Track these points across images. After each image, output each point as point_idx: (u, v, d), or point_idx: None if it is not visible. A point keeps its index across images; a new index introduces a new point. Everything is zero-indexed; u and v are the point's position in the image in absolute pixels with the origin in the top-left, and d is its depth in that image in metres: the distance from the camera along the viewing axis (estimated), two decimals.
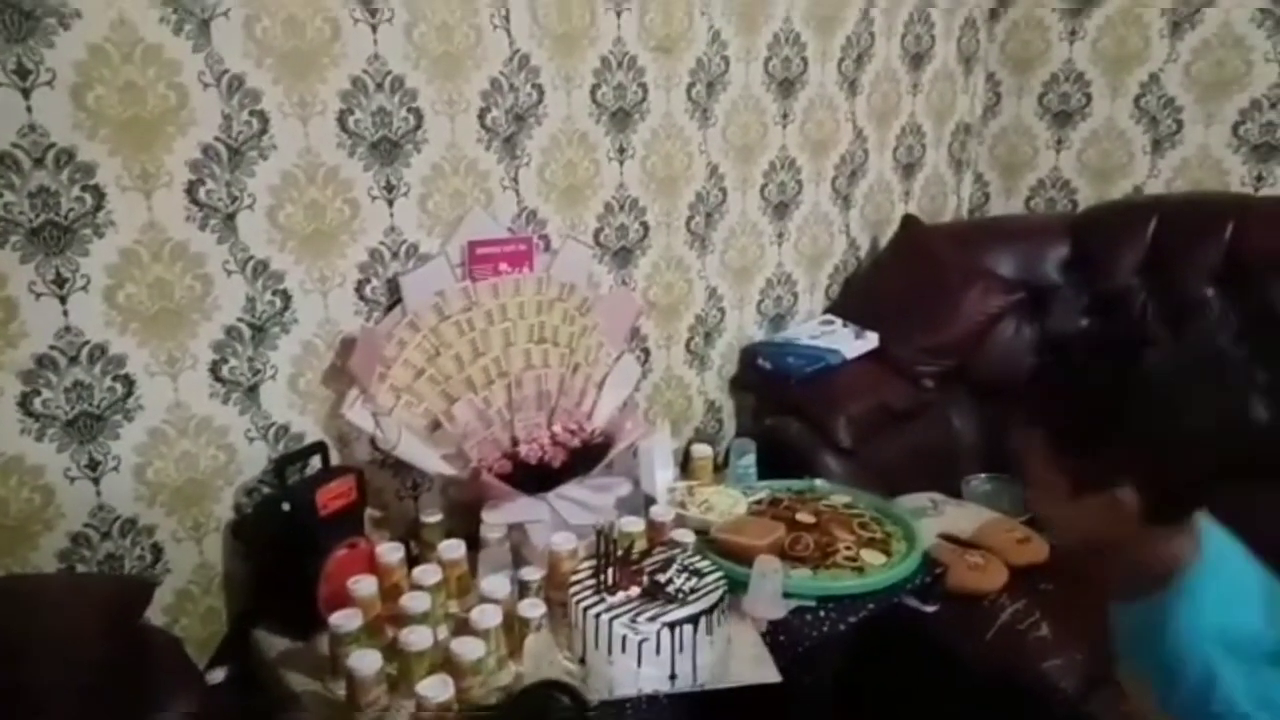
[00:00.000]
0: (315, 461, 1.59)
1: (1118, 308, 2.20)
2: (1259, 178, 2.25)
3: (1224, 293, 2.08)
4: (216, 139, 1.42)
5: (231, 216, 1.46)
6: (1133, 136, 2.42)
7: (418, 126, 1.62)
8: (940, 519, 1.95)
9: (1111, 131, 2.45)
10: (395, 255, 1.65)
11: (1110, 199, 2.44)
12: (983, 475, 2.21)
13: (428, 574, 1.49)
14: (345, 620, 1.37)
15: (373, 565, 1.52)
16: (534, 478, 1.67)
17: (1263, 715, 0.98)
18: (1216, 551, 1.09)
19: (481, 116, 1.69)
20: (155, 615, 1.50)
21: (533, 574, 1.54)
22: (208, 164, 1.42)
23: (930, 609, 1.71)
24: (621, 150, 1.92)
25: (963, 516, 1.96)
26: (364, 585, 1.44)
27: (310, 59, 1.48)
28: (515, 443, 1.71)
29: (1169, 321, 2.14)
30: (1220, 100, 2.27)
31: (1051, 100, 2.54)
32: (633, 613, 1.44)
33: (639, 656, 1.41)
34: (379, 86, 1.56)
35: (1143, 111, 2.39)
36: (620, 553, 1.54)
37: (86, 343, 1.37)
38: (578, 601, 1.46)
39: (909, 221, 2.46)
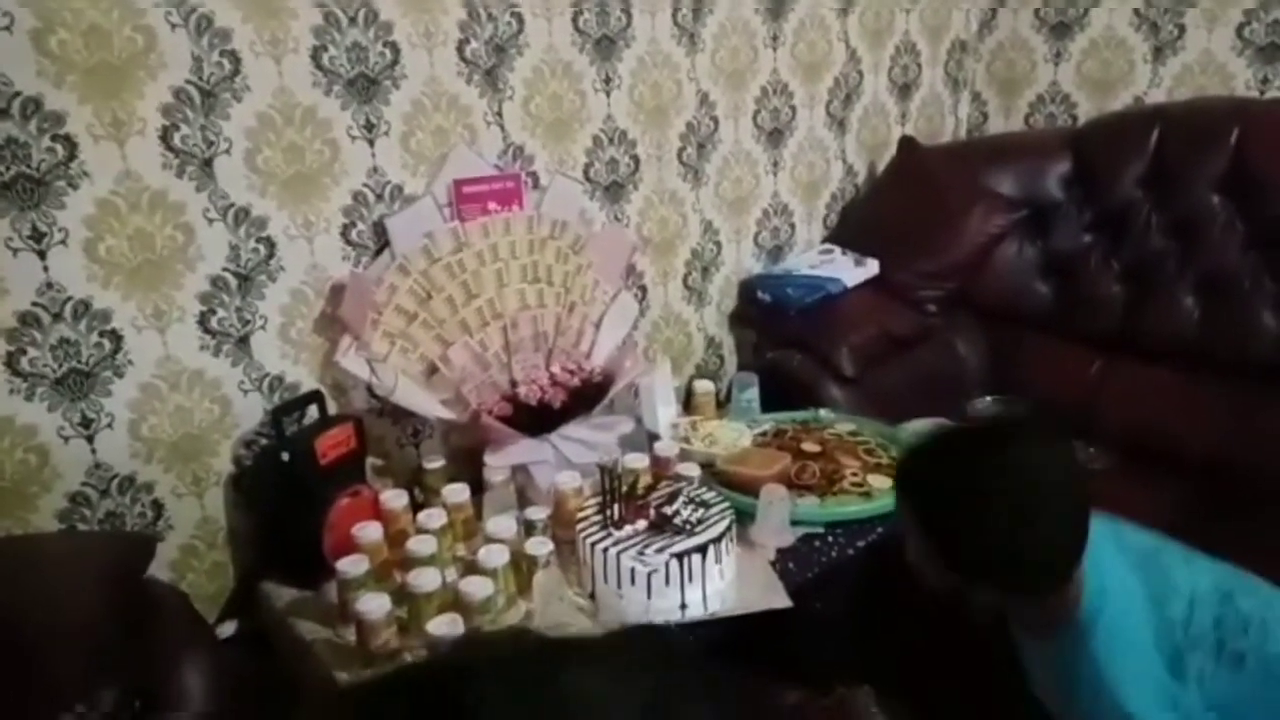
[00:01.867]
0: (312, 411, 1.58)
1: (1121, 222, 2.16)
2: (1265, 80, 2.19)
3: (1230, 202, 2.03)
4: (188, 82, 1.37)
5: (209, 162, 1.42)
6: (1133, 45, 2.35)
7: (395, 61, 1.57)
8: None
9: (1111, 41, 2.38)
10: (380, 197, 1.61)
11: (1111, 111, 2.37)
12: (988, 398, 2.19)
13: (433, 518, 1.48)
14: (352, 566, 1.37)
15: (377, 512, 1.51)
16: (535, 419, 1.66)
17: None
18: (1099, 589, 1.09)
19: (460, 49, 1.64)
20: (161, 572, 1.50)
21: (538, 513, 1.53)
22: (180, 108, 1.37)
23: None
24: (608, 80, 1.86)
25: None
26: (369, 531, 1.43)
27: None
28: (514, 385, 1.69)
29: (1174, 233, 2.10)
30: (1224, 3, 2.19)
31: (1049, 12, 2.46)
32: (640, 545, 1.44)
33: (649, 588, 1.41)
34: (352, 21, 1.50)
35: (1143, 18, 2.32)
36: (625, 488, 1.53)
37: (69, 298, 1.34)
38: (585, 537, 1.46)
39: (906, 144, 2.41)
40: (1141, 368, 2.05)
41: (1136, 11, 2.32)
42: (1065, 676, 1.10)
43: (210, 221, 1.45)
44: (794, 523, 1.60)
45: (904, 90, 2.50)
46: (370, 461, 1.63)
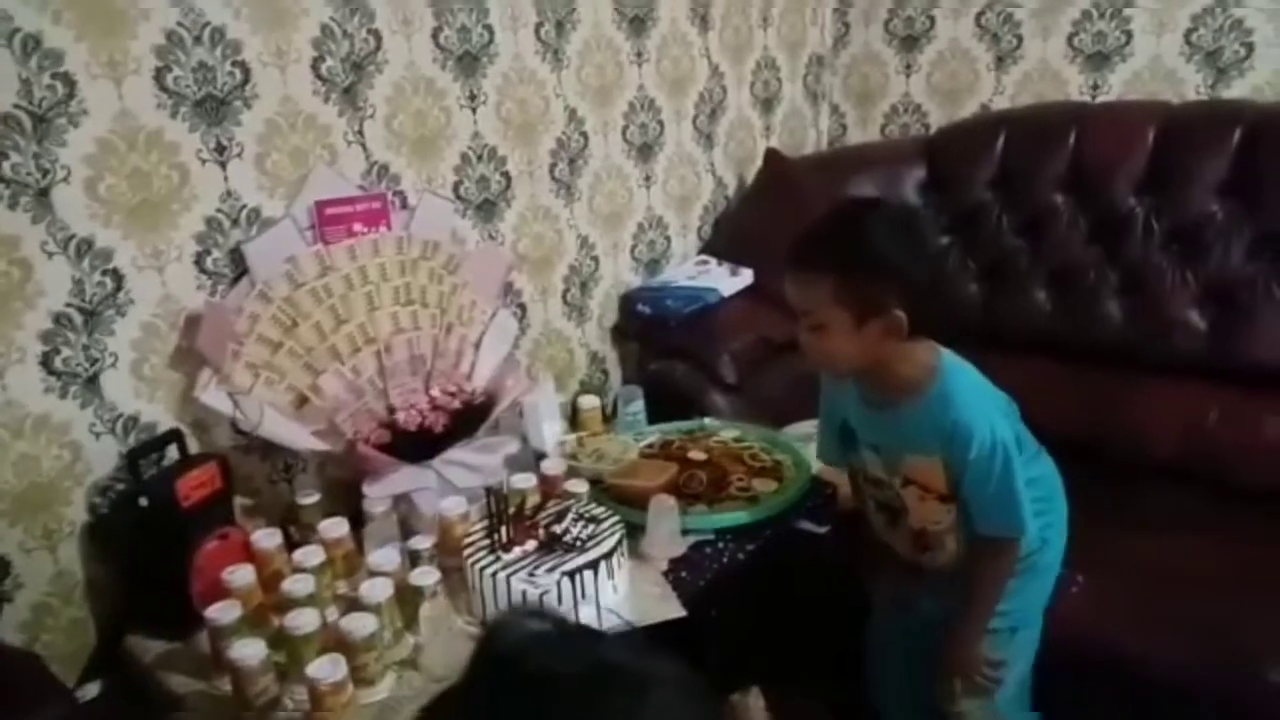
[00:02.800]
0: (173, 452, 1.48)
1: (974, 223, 2.27)
2: (1095, 86, 2.35)
3: (1072, 199, 2.17)
4: (16, 106, 1.28)
5: (44, 192, 1.33)
6: (977, 55, 2.49)
7: (245, 81, 1.50)
8: None
9: (957, 52, 2.51)
10: (235, 222, 1.54)
11: (960, 119, 2.50)
12: None
13: (310, 555, 1.41)
14: (222, 613, 1.29)
15: (248, 554, 1.43)
16: (416, 445, 1.61)
17: (1015, 451, 1.30)
18: (950, 357, 1.35)
19: (315, 67, 1.58)
20: (9, 635, 1.38)
21: (423, 542, 1.49)
22: (9, 134, 1.28)
23: (823, 530, 1.74)
24: (473, 97, 1.84)
25: None
26: (240, 575, 1.36)
27: (117, 13, 1.35)
28: (392, 411, 1.64)
29: (1023, 232, 2.22)
30: (1055, 14, 2.35)
31: (897, 25, 2.58)
32: (530, 566, 1.41)
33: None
34: (197, 40, 1.44)
35: (984, 29, 2.46)
36: (513, 510, 1.50)
37: None
38: (473, 563, 1.42)
39: (772, 156, 2.47)
40: (1001, 359, 2.15)
41: (978, 22, 2.46)
42: (926, 431, 1.31)
43: (50, 255, 1.35)
44: (684, 532, 1.60)
45: (767, 104, 2.57)
46: (239, 501, 1.54)
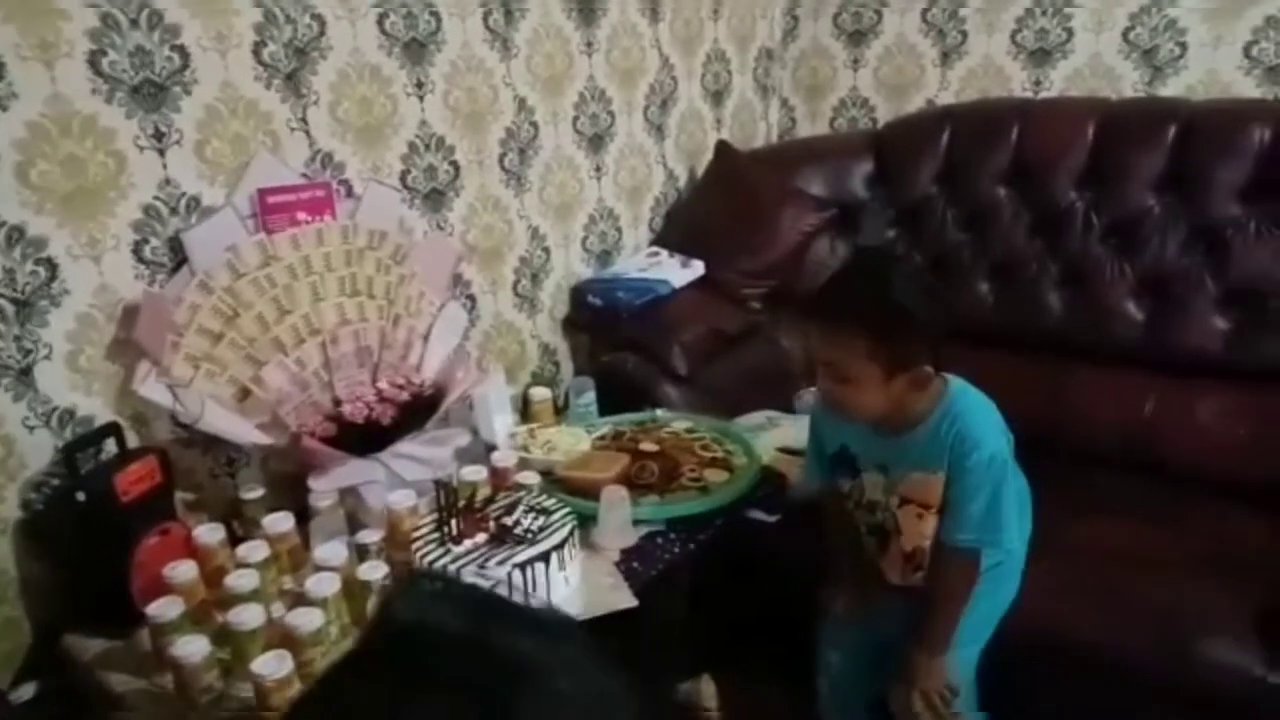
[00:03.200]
0: (111, 446, 1.44)
1: (920, 216, 2.30)
2: (1037, 82, 2.40)
3: (1014, 193, 2.21)
4: None
5: None
6: (923, 50, 2.52)
7: (184, 66, 1.46)
8: (777, 433, 1.99)
9: (903, 47, 2.54)
10: (174, 210, 1.50)
11: (906, 113, 2.53)
12: (812, 389, 2.26)
13: (254, 551, 1.39)
14: (164, 609, 1.26)
15: (190, 550, 1.40)
16: (363, 438, 1.58)
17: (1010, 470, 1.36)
18: (957, 381, 1.40)
19: (257, 52, 1.55)
20: None
21: (371, 536, 1.47)
22: None
23: (774, 519, 1.75)
24: (420, 85, 1.81)
25: (798, 428, 2.00)
26: (181, 570, 1.33)
27: None
28: (338, 403, 1.62)
29: (967, 225, 2.26)
30: (999, 10, 2.39)
31: (845, 20, 2.60)
32: (481, 559, 1.40)
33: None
34: (134, 23, 1.39)
35: (930, 25, 2.49)
36: (463, 502, 1.49)
37: None
38: (422, 557, 1.41)
39: (722, 148, 2.48)
40: (946, 351, 2.19)
41: (925, 18, 2.49)
42: (935, 448, 1.35)
43: None
44: (636, 522, 1.61)
45: (717, 97, 2.58)
46: (180, 496, 1.51)
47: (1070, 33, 2.33)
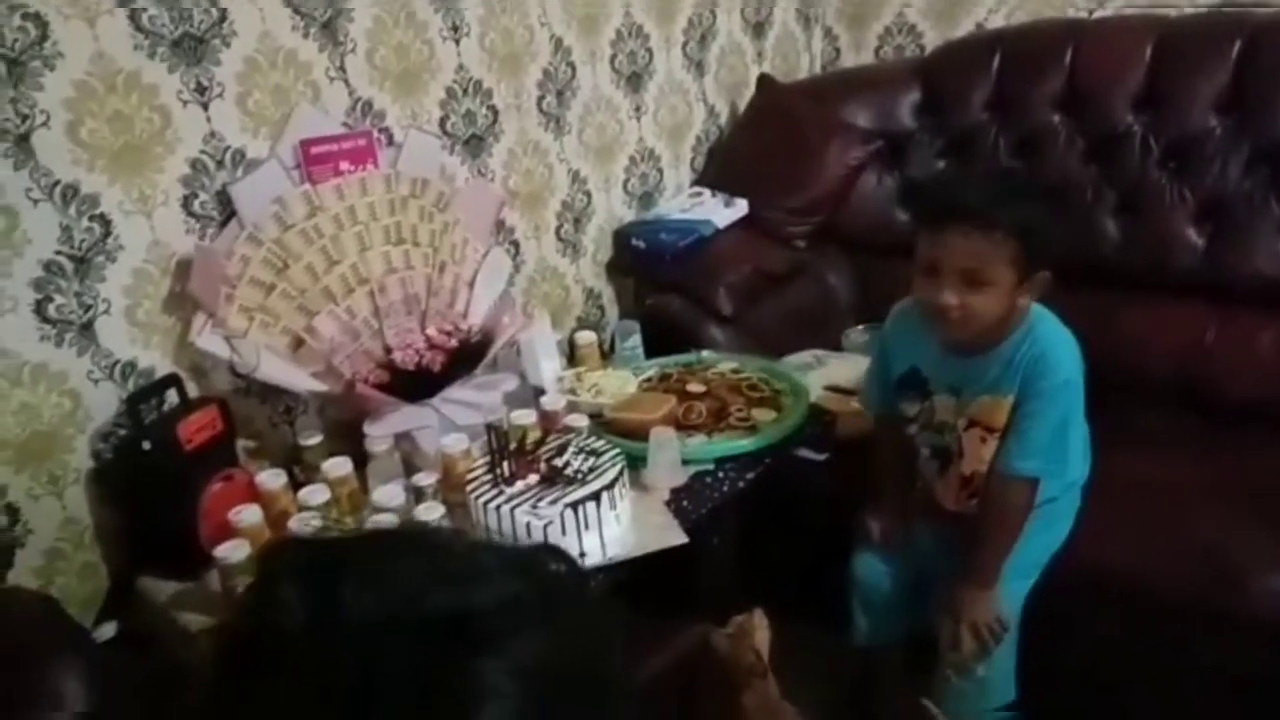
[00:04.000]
0: (171, 396, 1.49)
1: (971, 146, 2.24)
2: (1091, 9, 2.30)
3: (1068, 119, 2.14)
4: None
5: (25, 138, 1.31)
6: None
7: (222, 18, 1.47)
8: (824, 371, 1.99)
9: None
10: (221, 164, 1.52)
11: (955, 38, 2.45)
12: (860, 326, 2.25)
13: (315, 494, 1.43)
14: (231, 551, 1.31)
15: (254, 495, 1.44)
16: (414, 384, 1.61)
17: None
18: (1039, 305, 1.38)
19: (292, 1, 1.55)
20: (26, 579, 1.40)
21: (427, 479, 1.50)
22: None
23: (822, 457, 1.75)
24: (455, 28, 1.80)
25: (845, 367, 2.00)
26: (247, 515, 1.37)
27: None
28: (389, 351, 1.64)
29: (1019, 153, 2.19)
30: None
31: None
32: (533, 499, 1.43)
33: (545, 540, 1.40)
34: None
35: None
36: (514, 445, 1.51)
37: None
38: (476, 497, 1.43)
39: (764, 81, 2.43)
40: None
41: None
42: (1011, 368, 1.35)
43: (35, 202, 1.33)
44: (685, 462, 1.62)
45: (758, 29, 2.52)
46: (241, 444, 1.56)
47: None
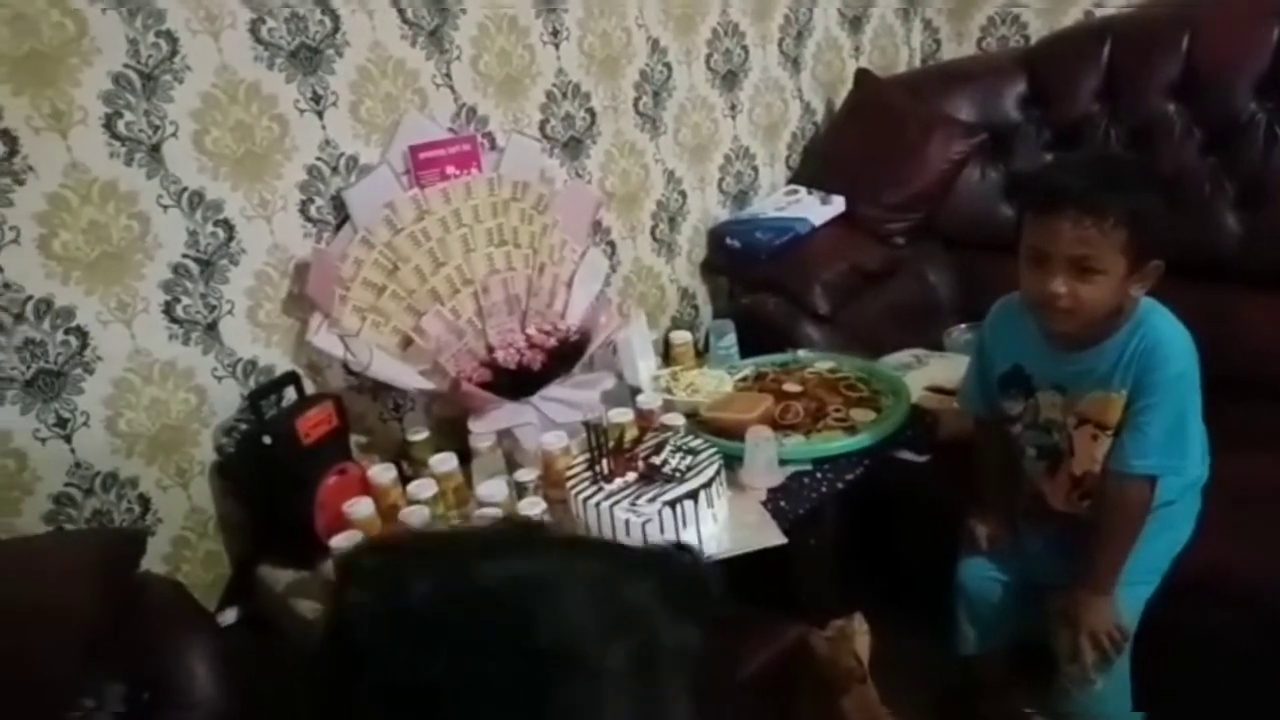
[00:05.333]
0: (290, 393, 1.56)
1: (1080, 137, 2.16)
2: None
3: (1185, 107, 2.04)
4: (126, 66, 1.34)
5: (156, 148, 1.39)
6: None
7: (335, 29, 1.53)
8: (925, 371, 1.94)
9: None
10: (335, 170, 1.58)
11: (1062, 28, 2.36)
12: (963, 325, 2.19)
13: (423, 488, 1.47)
14: (346, 542, 1.36)
15: (366, 488, 1.50)
16: (515, 382, 1.65)
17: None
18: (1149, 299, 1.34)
19: (401, 11, 1.60)
20: (155, 565, 1.49)
21: (528, 475, 1.53)
22: (121, 94, 1.34)
23: (923, 459, 1.72)
24: (555, 33, 1.83)
25: (947, 367, 1.96)
26: (360, 507, 1.43)
27: None
28: (491, 350, 1.68)
29: (1132, 144, 2.11)
30: None
31: None
32: (632, 497, 1.44)
33: (644, 538, 1.41)
34: None
35: None
36: (612, 443, 1.53)
37: (29, 298, 1.31)
38: (576, 494, 1.46)
39: (862, 76, 2.39)
40: None
41: None
42: (1121, 362, 1.30)
43: (165, 208, 1.42)
44: (782, 462, 1.61)
45: (855, 23, 2.48)
46: (354, 439, 1.62)
47: None
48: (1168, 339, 1.28)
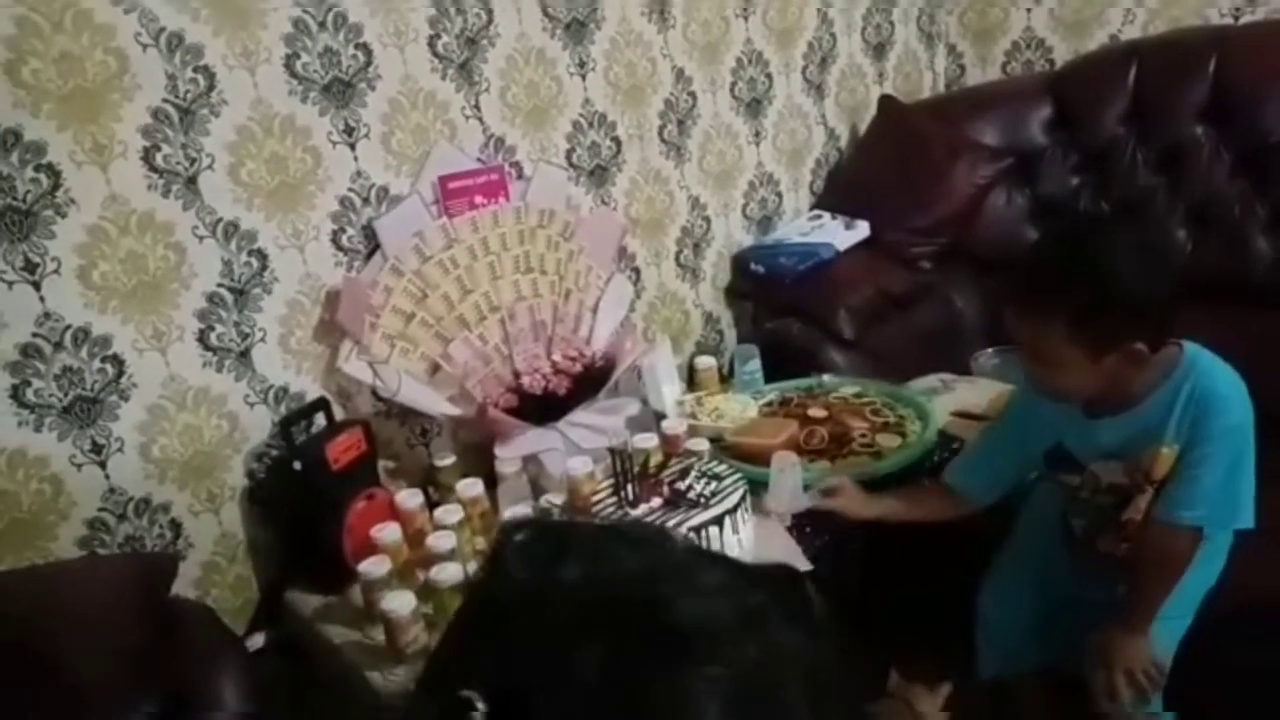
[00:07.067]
0: (320, 419, 1.58)
1: (1107, 161, 2.16)
2: (1237, 9, 2.18)
3: (1214, 130, 2.03)
4: (165, 101, 1.37)
5: (193, 180, 1.42)
6: None
7: (368, 63, 1.56)
8: (952, 396, 1.93)
9: None
10: (366, 200, 1.61)
11: (1087, 52, 2.37)
12: (990, 350, 2.19)
13: (449, 514, 1.49)
14: (374, 567, 1.37)
15: (394, 513, 1.51)
16: (541, 408, 1.66)
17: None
18: (1194, 347, 1.29)
19: (432, 44, 1.63)
20: (185, 589, 1.50)
21: (554, 500, 1.54)
22: (160, 128, 1.37)
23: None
24: (581, 64, 1.86)
25: (975, 392, 1.95)
26: (388, 532, 1.44)
27: (248, 5, 1.42)
28: (517, 376, 1.70)
29: (1160, 167, 2.10)
30: None
31: None
32: (657, 522, 1.44)
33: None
34: (322, 25, 1.50)
35: None
36: (637, 468, 1.54)
37: (68, 326, 1.34)
38: (602, 519, 1.46)
39: (886, 102, 2.40)
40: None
41: None
42: (1169, 419, 1.25)
43: (200, 239, 1.45)
44: (807, 488, 1.60)
45: (878, 49, 2.50)
46: (382, 464, 1.64)
47: None
48: (1224, 388, 1.23)
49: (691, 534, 1.41)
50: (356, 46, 1.55)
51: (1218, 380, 1.24)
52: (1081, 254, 1.21)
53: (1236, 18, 2.19)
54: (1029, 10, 2.48)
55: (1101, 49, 2.35)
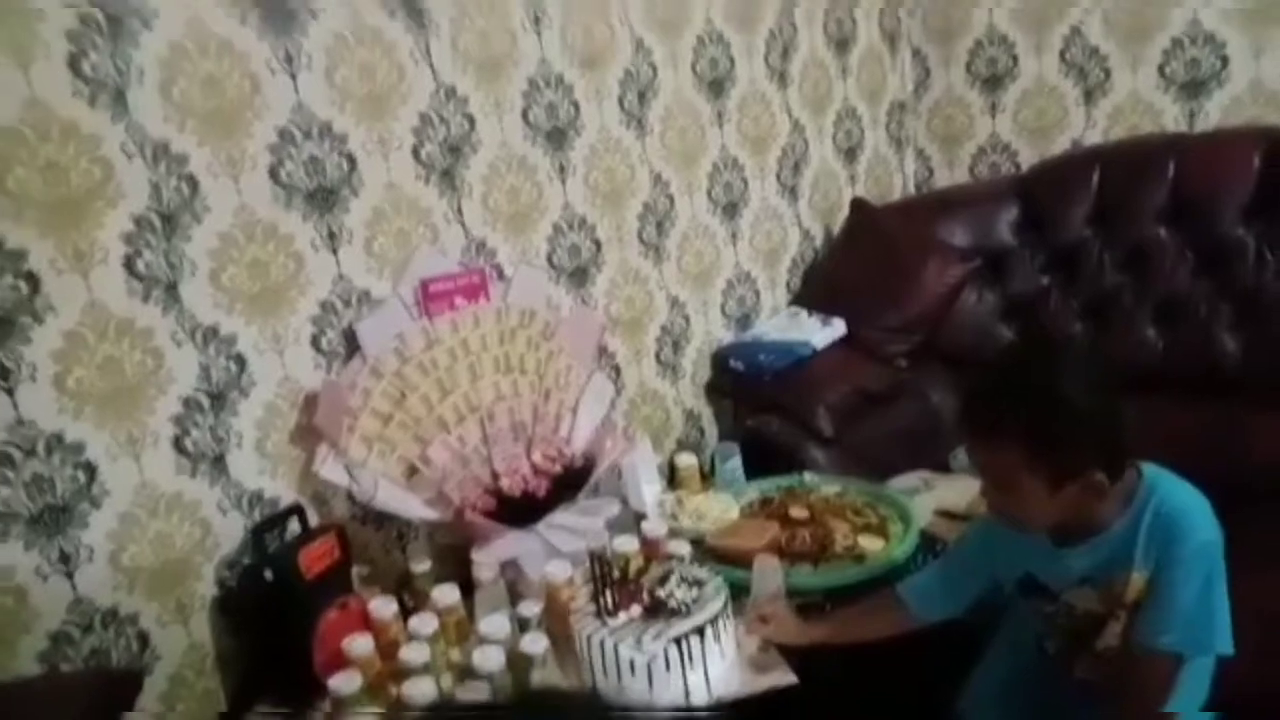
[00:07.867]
0: (294, 525, 1.55)
1: (1075, 260, 2.21)
2: (1191, 114, 2.29)
3: (1175, 231, 2.10)
4: (148, 209, 1.38)
5: (173, 286, 1.42)
6: (1064, 90, 2.45)
7: (352, 170, 1.59)
8: (934, 495, 1.93)
9: (1042, 89, 2.48)
10: (347, 304, 1.62)
11: (1051, 155, 2.46)
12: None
13: (424, 624, 1.45)
14: (344, 683, 1.33)
15: (366, 623, 1.48)
16: (520, 510, 1.64)
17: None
18: (1153, 469, 1.28)
19: (415, 153, 1.67)
20: (151, 704, 1.45)
21: (531, 608, 1.51)
22: (142, 235, 1.38)
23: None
24: (562, 170, 1.90)
25: (955, 490, 1.95)
26: (359, 644, 1.40)
27: (233, 115, 1.45)
28: (496, 477, 1.68)
29: (1126, 267, 2.16)
30: (1143, 43, 2.30)
31: (979, 66, 2.56)
32: (637, 633, 1.41)
33: (650, 678, 1.38)
34: (306, 135, 1.53)
35: (1069, 64, 2.42)
36: (617, 574, 1.51)
37: (41, 433, 1.32)
38: (580, 630, 1.43)
39: (858, 204, 2.47)
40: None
41: (1063, 58, 2.42)
42: (1136, 544, 1.23)
43: (179, 344, 1.44)
44: (789, 593, 1.58)
45: (850, 154, 2.58)
46: (356, 570, 1.60)
47: (1225, 60, 2.21)
48: (1184, 509, 1.22)
49: (673, 645, 1.38)
50: (341, 155, 1.58)
51: (1180, 501, 1.23)
52: (1033, 379, 1.22)
53: (1191, 124, 2.28)
54: (993, 116, 2.57)
55: (1065, 153, 2.44)
